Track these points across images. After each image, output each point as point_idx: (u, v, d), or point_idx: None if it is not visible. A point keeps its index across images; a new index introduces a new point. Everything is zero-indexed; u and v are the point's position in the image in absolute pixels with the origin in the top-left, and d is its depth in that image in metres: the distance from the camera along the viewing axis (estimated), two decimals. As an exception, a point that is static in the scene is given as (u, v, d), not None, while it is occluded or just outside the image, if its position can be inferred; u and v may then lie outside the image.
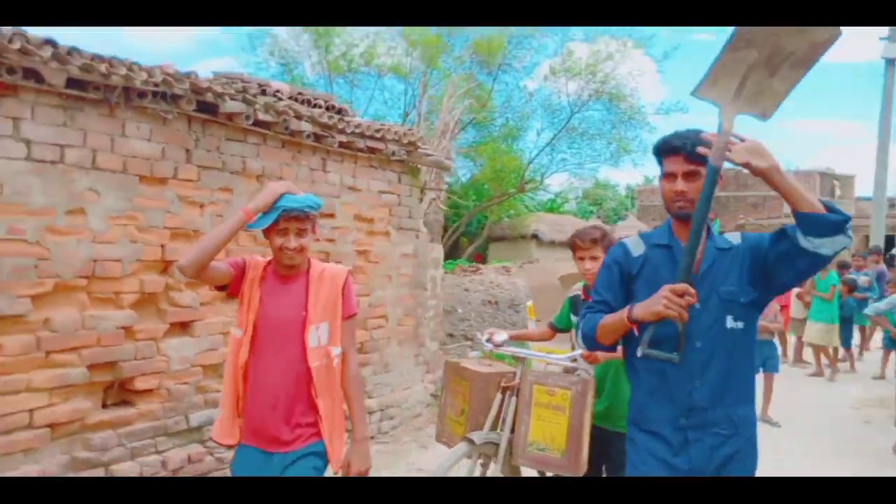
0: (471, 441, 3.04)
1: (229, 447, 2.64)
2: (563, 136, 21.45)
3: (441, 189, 6.74)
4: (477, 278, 9.16)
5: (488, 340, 3.31)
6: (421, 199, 6.20)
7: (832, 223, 1.90)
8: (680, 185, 2.09)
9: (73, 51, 3.18)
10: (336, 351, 2.56)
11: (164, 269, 3.82)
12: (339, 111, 5.40)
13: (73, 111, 3.33)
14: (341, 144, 4.83)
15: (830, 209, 1.92)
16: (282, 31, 19.36)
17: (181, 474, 3.85)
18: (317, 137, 4.64)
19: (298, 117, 4.41)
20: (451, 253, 22.00)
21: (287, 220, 2.43)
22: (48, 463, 3.31)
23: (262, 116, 4.17)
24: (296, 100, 5.25)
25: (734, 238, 2.22)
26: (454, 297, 8.37)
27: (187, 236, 3.92)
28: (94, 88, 3.35)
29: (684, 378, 2.10)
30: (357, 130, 4.87)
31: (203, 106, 3.89)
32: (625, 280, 2.20)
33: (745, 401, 2.19)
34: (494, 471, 3.10)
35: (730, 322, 2.14)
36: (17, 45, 2.93)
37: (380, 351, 5.39)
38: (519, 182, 21.09)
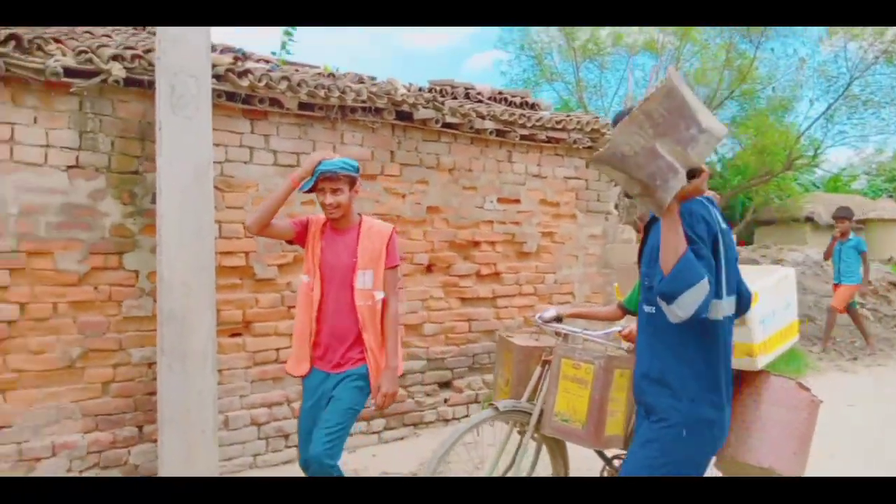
0: (496, 408, 3.22)
1: (301, 377, 3.13)
2: (842, 105, 19.20)
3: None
4: (700, 262, 9.09)
5: (540, 317, 3.44)
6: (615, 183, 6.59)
7: (661, 293, 2.07)
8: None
9: (301, 82, 4.34)
10: (379, 295, 3.06)
11: (373, 246, 4.91)
12: (532, 106, 6.09)
13: (305, 127, 4.53)
14: (524, 137, 5.52)
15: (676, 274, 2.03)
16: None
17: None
18: (500, 133, 5.39)
19: (482, 117, 5.19)
20: (711, 237, 21.07)
21: (323, 181, 2.96)
22: (290, 390, 4.58)
23: (449, 119, 5.05)
24: (494, 99, 6.08)
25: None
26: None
27: (392, 220, 4.95)
28: (319, 109, 4.51)
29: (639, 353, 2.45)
30: (538, 124, 5.51)
31: (401, 115, 4.88)
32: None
33: (658, 387, 2.32)
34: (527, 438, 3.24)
35: (645, 307, 2.35)
36: (263, 82, 4.17)
37: (567, 324, 5.99)
38: (787, 159, 19.41)
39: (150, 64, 3.71)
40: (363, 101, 4.61)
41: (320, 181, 2.98)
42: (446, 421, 5.24)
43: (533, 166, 5.71)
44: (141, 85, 3.76)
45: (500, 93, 6.19)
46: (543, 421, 3.09)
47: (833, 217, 8.78)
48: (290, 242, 3.23)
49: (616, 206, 6.43)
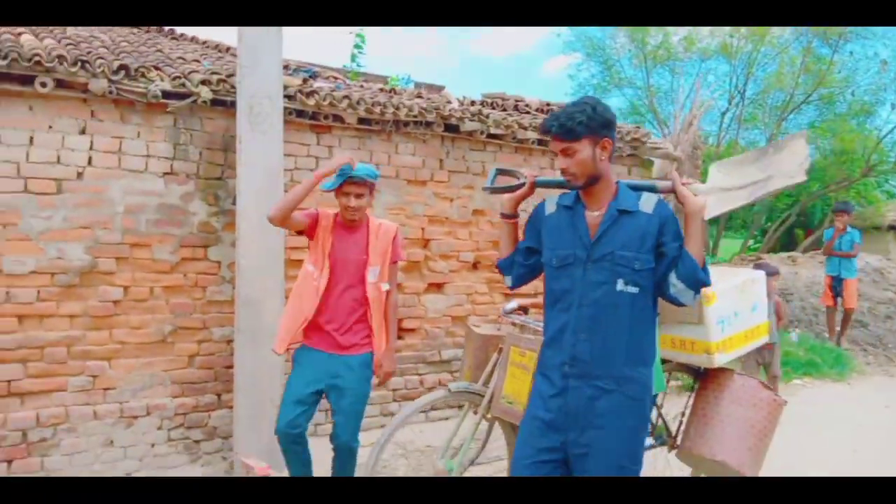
0: (448, 389, 3.47)
1: (280, 354, 3.58)
2: (928, 108, 18.50)
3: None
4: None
5: (504, 307, 3.72)
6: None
7: (700, 280, 2.31)
8: (560, 162, 2.40)
9: (360, 100, 4.97)
10: (385, 286, 3.43)
11: (424, 245, 5.48)
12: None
13: (364, 139, 5.16)
14: (566, 146, 5.98)
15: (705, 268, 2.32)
16: (595, 31, 20.57)
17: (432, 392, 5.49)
18: (543, 142, 5.87)
19: (524, 128, 5.69)
20: (787, 245, 20.66)
21: (349, 185, 3.22)
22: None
23: (494, 130, 5.57)
24: (542, 110, 6.56)
25: (646, 204, 2.36)
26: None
27: (441, 222, 5.53)
28: (375, 123, 5.13)
29: (572, 330, 2.35)
30: (579, 134, 5.96)
31: (450, 127, 5.45)
32: (537, 232, 2.58)
33: (633, 362, 2.36)
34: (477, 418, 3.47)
35: (620, 285, 2.33)
36: (327, 101, 4.81)
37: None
38: (865, 165, 18.87)
39: (232, 87, 4.41)
40: (415, 116, 5.20)
41: (347, 184, 3.27)
42: (488, 406, 5.75)
43: (574, 173, 6.16)
44: (225, 105, 4.47)
45: (547, 104, 6.67)
46: (493, 403, 3.31)
47: (833, 211, 9.01)
48: (299, 233, 3.49)
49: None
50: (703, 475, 3.85)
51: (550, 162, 6.05)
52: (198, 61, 5.04)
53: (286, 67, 6.09)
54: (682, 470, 3.92)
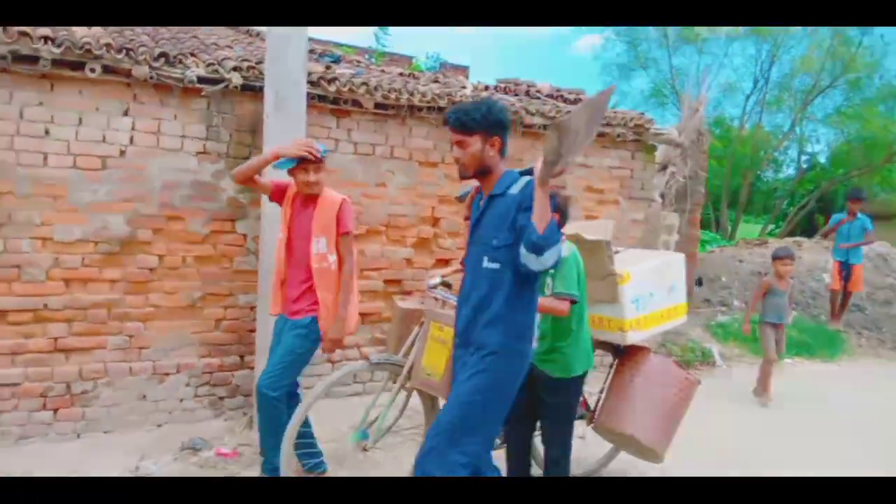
0: (368, 360, 3.68)
1: (275, 315, 3.83)
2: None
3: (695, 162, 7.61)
4: (759, 251, 9.60)
5: (427, 282, 3.89)
6: (670, 172, 7.31)
7: (532, 242, 2.40)
8: (454, 151, 2.67)
9: (378, 86, 5.38)
10: (332, 258, 3.62)
11: (433, 223, 5.92)
12: (585, 104, 6.89)
13: (380, 123, 5.58)
14: (572, 133, 6.35)
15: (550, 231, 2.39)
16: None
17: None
18: (547, 126, 6.25)
19: (531, 113, 6.07)
20: (807, 231, 20.77)
21: (308, 163, 3.49)
22: (362, 339, 5.67)
23: (503, 117, 5.96)
24: (551, 96, 6.93)
25: (517, 186, 2.60)
26: (724, 266, 9.08)
27: (450, 202, 5.94)
28: (391, 108, 5.54)
29: (460, 306, 2.74)
30: (585, 121, 6.33)
31: (461, 112, 5.84)
32: None
33: (491, 327, 2.61)
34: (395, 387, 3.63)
35: (485, 262, 2.59)
36: (346, 87, 5.23)
37: (609, 300, 6.82)
38: (887, 151, 18.91)
39: (261, 73, 4.84)
40: (428, 102, 5.60)
41: (306, 162, 3.52)
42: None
43: (579, 157, 6.53)
44: (253, 90, 4.90)
45: (557, 90, 7.05)
46: (413, 374, 3.48)
47: (847, 197, 9.24)
48: (270, 199, 3.86)
49: (662, 196, 7.15)
50: (617, 448, 4.11)
51: (557, 147, 6.44)
52: (230, 47, 5.48)
53: (312, 52, 6.53)
54: (600, 445, 4.17)
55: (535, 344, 2.82)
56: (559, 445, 3.53)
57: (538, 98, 6.77)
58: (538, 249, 2.42)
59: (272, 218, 4.76)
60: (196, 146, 4.82)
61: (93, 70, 4.35)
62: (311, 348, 3.71)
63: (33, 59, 4.18)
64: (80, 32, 4.41)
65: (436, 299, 3.67)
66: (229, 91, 4.85)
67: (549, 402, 3.48)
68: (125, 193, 4.59)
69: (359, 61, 7.07)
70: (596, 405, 4.03)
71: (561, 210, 3.22)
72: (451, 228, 5.96)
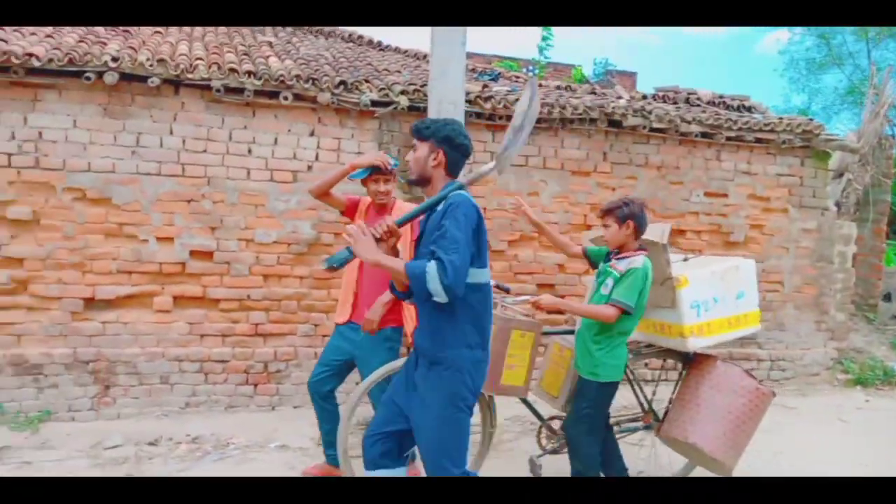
0: None
1: (340, 324, 3.86)
2: None
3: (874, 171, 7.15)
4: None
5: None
6: (847, 180, 6.99)
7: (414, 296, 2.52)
8: (409, 154, 2.83)
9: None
10: None
11: (586, 230, 6.22)
12: (749, 109, 6.85)
13: (533, 135, 6.00)
14: (731, 138, 6.36)
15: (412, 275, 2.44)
16: None
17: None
18: (707, 135, 6.31)
19: (687, 122, 6.17)
20: None
21: (378, 174, 3.65)
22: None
23: (656, 125, 6.14)
24: (712, 103, 6.96)
25: (443, 204, 2.60)
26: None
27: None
28: (543, 121, 5.96)
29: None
30: (745, 127, 6.30)
31: (613, 122, 6.11)
32: None
33: (439, 345, 2.61)
34: None
35: None
36: (501, 104, 5.72)
37: (773, 311, 6.68)
38: None
39: (424, 95, 5.48)
40: (580, 114, 5.95)
41: (377, 174, 3.69)
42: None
43: (742, 164, 6.51)
44: (418, 109, 5.56)
45: (720, 97, 7.04)
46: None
47: None
48: (342, 214, 3.94)
49: (837, 204, 6.86)
50: (684, 458, 4.00)
51: (716, 153, 6.47)
52: (399, 72, 6.21)
53: (472, 71, 7.13)
54: (670, 456, 4.10)
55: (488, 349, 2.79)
56: (581, 458, 3.50)
57: (698, 105, 6.82)
58: (421, 297, 2.55)
59: (432, 224, 5.39)
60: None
61: (286, 98, 5.23)
62: (397, 356, 3.84)
63: (239, 91, 5.14)
64: (275, 66, 5.33)
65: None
66: (397, 112, 5.54)
67: (574, 406, 3.57)
68: (311, 203, 5.42)
69: (517, 77, 7.55)
70: (664, 415, 3.97)
71: (635, 218, 3.39)
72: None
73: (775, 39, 55.30)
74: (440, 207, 2.62)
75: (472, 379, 2.65)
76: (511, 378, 3.52)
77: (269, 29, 7.57)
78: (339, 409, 3.82)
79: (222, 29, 7.02)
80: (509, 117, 5.80)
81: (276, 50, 6.32)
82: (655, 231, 3.71)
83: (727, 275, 3.79)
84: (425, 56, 7.37)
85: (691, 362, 3.91)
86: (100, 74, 4.83)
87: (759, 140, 6.47)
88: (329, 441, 3.91)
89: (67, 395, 4.99)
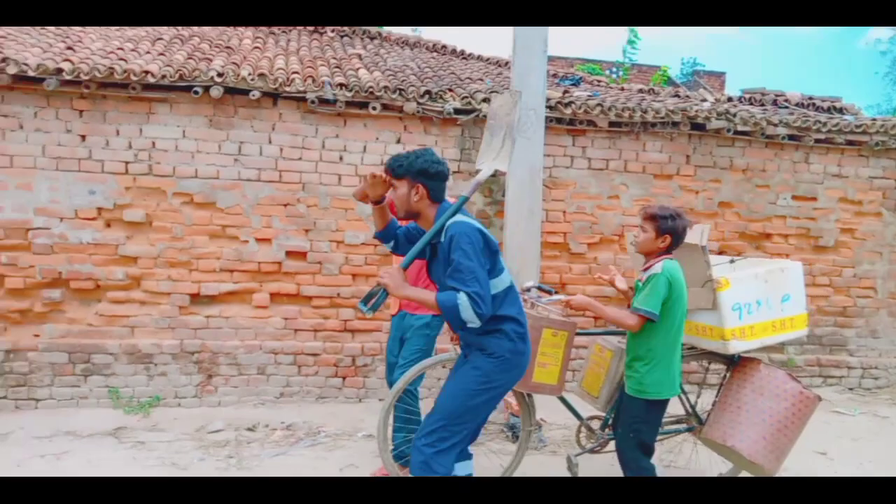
0: (456, 350, 3.67)
1: (393, 316, 4.28)
2: None
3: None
4: None
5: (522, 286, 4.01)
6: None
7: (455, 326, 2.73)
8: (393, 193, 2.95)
9: (611, 107, 5.92)
10: None
11: (668, 233, 6.25)
12: (840, 110, 6.69)
13: (614, 139, 6.11)
14: (820, 140, 6.24)
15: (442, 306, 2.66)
16: None
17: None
18: (795, 137, 6.21)
19: (773, 124, 6.10)
20: None
21: None
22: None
23: (741, 127, 6.10)
24: (802, 105, 6.84)
25: (446, 233, 2.79)
26: None
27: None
28: (625, 125, 6.04)
29: None
30: (835, 128, 6.17)
31: (696, 125, 6.13)
32: None
33: (485, 335, 2.83)
34: None
35: None
36: (581, 109, 5.85)
37: (865, 318, 6.50)
38: None
39: (506, 101, 5.68)
40: (662, 118, 6.00)
41: None
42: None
43: (832, 167, 6.38)
44: (499, 116, 5.77)
45: (809, 98, 6.91)
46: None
47: None
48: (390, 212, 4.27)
49: (936, 206, 6.59)
50: (729, 463, 3.95)
51: (804, 156, 6.36)
52: (481, 80, 6.44)
53: (555, 76, 7.28)
54: (710, 457, 4.09)
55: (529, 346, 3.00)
56: (631, 469, 3.43)
57: (785, 107, 6.72)
58: (459, 327, 2.78)
59: (513, 226, 5.58)
60: (452, 166, 5.81)
61: (374, 108, 5.55)
62: (434, 344, 4.17)
63: (332, 102, 5.49)
64: (365, 78, 5.66)
65: (525, 300, 3.79)
66: (480, 119, 5.77)
67: (621, 415, 3.55)
68: (396, 206, 5.73)
69: (599, 81, 7.63)
70: (707, 418, 3.94)
71: (675, 235, 3.34)
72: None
73: (874, 39, 52.40)
74: (444, 239, 2.79)
75: (510, 367, 2.86)
76: (543, 376, 3.54)
77: (358, 41, 7.96)
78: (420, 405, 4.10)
79: (315, 42, 7.46)
80: (590, 122, 5.95)
81: (364, 62, 6.68)
82: (694, 233, 3.66)
83: (771, 277, 3.74)
84: (507, 63, 7.58)
85: (735, 366, 3.88)
86: (206, 88, 5.29)
87: (850, 142, 6.32)
88: (405, 438, 4.15)
89: (175, 382, 5.47)
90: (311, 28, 8.13)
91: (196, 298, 5.52)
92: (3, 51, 5.26)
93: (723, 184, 6.27)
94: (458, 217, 2.83)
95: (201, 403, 5.49)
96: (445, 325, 4.08)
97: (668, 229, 3.32)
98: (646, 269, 3.37)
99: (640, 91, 7.23)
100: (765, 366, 3.75)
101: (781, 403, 3.59)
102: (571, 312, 3.96)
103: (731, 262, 4.16)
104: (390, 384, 4.17)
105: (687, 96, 6.97)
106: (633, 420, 3.40)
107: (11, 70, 4.99)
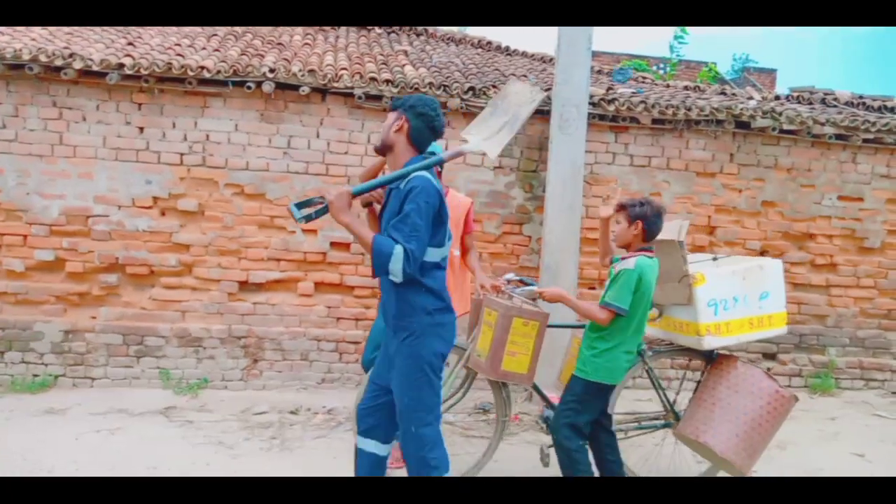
0: None
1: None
2: None
3: None
4: None
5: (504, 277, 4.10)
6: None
7: (374, 271, 2.68)
8: None
9: (655, 104, 5.97)
10: (456, 252, 4.22)
11: (709, 232, 6.27)
12: (892, 109, 6.61)
13: (657, 136, 6.15)
14: (868, 140, 6.18)
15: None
16: None
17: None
18: (842, 136, 6.17)
19: (820, 123, 6.07)
20: None
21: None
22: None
23: (787, 126, 6.09)
24: (851, 103, 6.78)
25: (406, 182, 2.69)
26: None
27: (727, 211, 6.26)
28: (668, 122, 6.08)
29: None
30: (884, 128, 6.10)
31: (741, 124, 6.13)
32: None
33: (404, 314, 2.80)
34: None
35: None
36: (624, 106, 5.92)
37: (914, 321, 6.43)
38: None
39: (549, 98, 5.79)
40: (706, 115, 6.03)
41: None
42: (766, 387, 6.33)
43: (881, 167, 6.31)
44: (541, 114, 5.87)
45: (860, 97, 6.83)
46: (470, 354, 3.77)
47: None
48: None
49: None
50: (701, 457, 3.96)
51: (851, 156, 6.31)
52: (525, 76, 6.55)
53: (599, 72, 7.34)
54: (695, 457, 4.08)
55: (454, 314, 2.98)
56: (559, 448, 3.48)
57: (834, 106, 6.66)
58: (379, 273, 2.72)
59: (553, 222, 5.69)
60: (493, 162, 5.95)
61: (419, 104, 5.71)
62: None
63: (378, 98, 5.67)
64: (410, 74, 5.82)
65: (503, 292, 3.87)
66: (522, 114, 5.88)
67: (562, 398, 3.59)
68: (438, 200, 5.89)
69: (644, 77, 7.66)
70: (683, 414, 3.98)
71: (646, 220, 3.38)
72: (728, 238, 6.26)
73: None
74: (403, 186, 2.71)
75: (436, 342, 2.82)
76: (512, 364, 3.54)
77: (405, 37, 8.14)
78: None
79: (363, 39, 7.66)
80: (633, 119, 6.01)
81: (411, 59, 6.84)
82: (672, 228, 3.70)
83: (749, 274, 3.75)
84: (551, 59, 7.66)
85: (713, 362, 3.90)
86: (258, 84, 5.52)
87: (901, 142, 6.26)
88: None
89: (222, 365, 5.73)
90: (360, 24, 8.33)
91: (244, 286, 5.77)
92: (70, 47, 5.57)
93: (767, 183, 6.27)
94: (425, 173, 2.75)
95: (247, 386, 5.75)
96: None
97: (637, 215, 3.38)
98: (623, 259, 3.44)
99: (686, 88, 7.24)
100: (742, 363, 3.76)
101: (756, 402, 3.60)
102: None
103: (714, 259, 4.16)
104: (365, 364, 4.24)
105: (734, 94, 6.96)
106: (571, 398, 3.48)
107: (77, 65, 5.29)
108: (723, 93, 7.17)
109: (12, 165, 5.48)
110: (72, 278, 5.61)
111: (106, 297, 5.65)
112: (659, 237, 3.55)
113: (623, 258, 3.44)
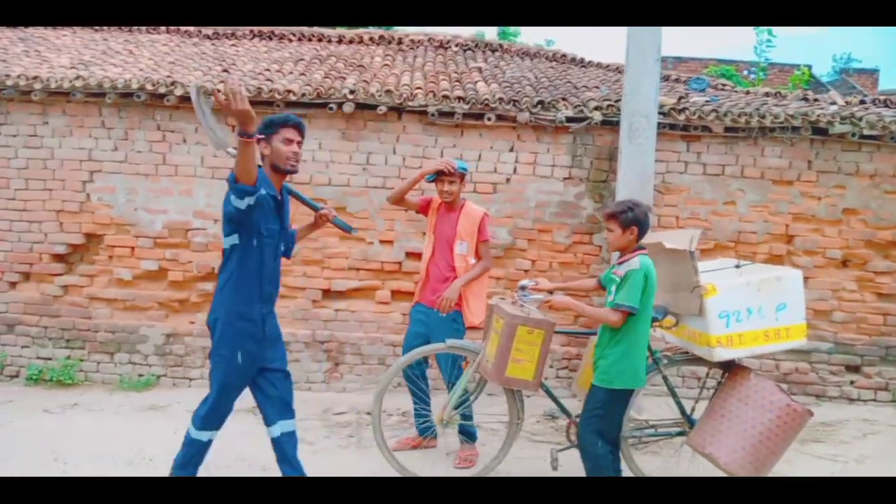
0: (446, 343, 4.09)
1: (413, 306, 4.66)
2: None
3: None
4: None
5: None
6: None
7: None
8: (296, 148, 3.34)
9: (727, 112, 5.99)
10: (472, 260, 4.42)
11: (787, 241, 6.20)
12: None
13: (731, 144, 6.15)
14: (958, 144, 5.96)
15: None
16: None
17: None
18: (930, 141, 5.98)
19: (904, 129, 5.91)
20: None
21: (444, 176, 4.32)
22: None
23: (868, 132, 5.96)
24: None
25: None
26: None
27: (806, 220, 6.17)
28: (742, 130, 6.08)
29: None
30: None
31: (818, 130, 6.05)
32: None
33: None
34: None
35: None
36: (696, 115, 5.96)
37: None
38: None
39: (618, 110, 5.92)
40: (781, 123, 5.99)
41: (443, 175, 4.37)
42: (850, 400, 6.18)
43: (973, 171, 6.06)
44: (611, 124, 6.01)
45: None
46: (480, 360, 3.90)
47: None
48: (417, 212, 4.70)
49: None
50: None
51: (942, 160, 6.10)
52: (597, 88, 6.70)
53: (676, 81, 7.38)
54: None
55: (266, 308, 3.61)
56: (589, 458, 3.53)
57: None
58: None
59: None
60: (563, 173, 6.13)
61: (489, 119, 5.98)
62: (462, 337, 4.42)
63: (450, 114, 5.98)
64: (482, 90, 6.10)
65: (514, 299, 3.93)
66: (591, 126, 6.04)
67: (584, 406, 3.62)
68: (508, 211, 6.12)
69: (724, 85, 7.63)
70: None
71: (639, 223, 3.47)
72: (807, 246, 6.17)
73: None
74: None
75: (227, 337, 3.43)
76: (517, 371, 3.62)
77: (480, 54, 8.43)
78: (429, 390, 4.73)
79: (440, 58, 8.00)
80: (705, 127, 6.06)
81: (484, 75, 7.13)
82: (684, 238, 3.70)
83: (765, 286, 3.69)
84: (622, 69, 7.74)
85: (729, 373, 3.87)
86: (340, 105, 5.94)
87: None
88: (419, 415, 4.76)
89: (306, 368, 6.15)
90: (438, 43, 8.70)
91: (327, 294, 6.18)
92: (173, 75, 6.18)
93: (848, 190, 6.14)
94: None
95: (328, 388, 6.14)
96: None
97: (630, 221, 3.46)
98: (621, 263, 3.51)
99: (766, 94, 7.17)
100: (755, 375, 3.72)
101: (766, 415, 3.56)
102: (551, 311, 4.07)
103: (737, 266, 4.10)
104: (407, 377, 4.64)
105: (815, 99, 6.84)
106: (595, 406, 3.52)
107: (178, 91, 5.87)
108: (804, 98, 7.05)
109: (122, 184, 6.12)
110: (173, 286, 6.19)
111: (203, 304, 6.19)
112: (670, 246, 3.63)
113: (622, 261, 3.54)
